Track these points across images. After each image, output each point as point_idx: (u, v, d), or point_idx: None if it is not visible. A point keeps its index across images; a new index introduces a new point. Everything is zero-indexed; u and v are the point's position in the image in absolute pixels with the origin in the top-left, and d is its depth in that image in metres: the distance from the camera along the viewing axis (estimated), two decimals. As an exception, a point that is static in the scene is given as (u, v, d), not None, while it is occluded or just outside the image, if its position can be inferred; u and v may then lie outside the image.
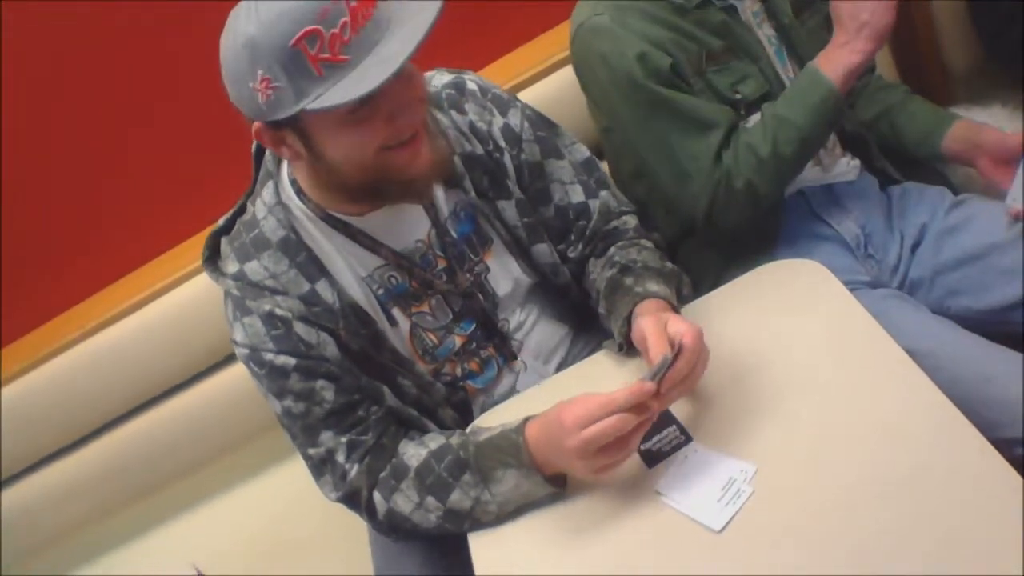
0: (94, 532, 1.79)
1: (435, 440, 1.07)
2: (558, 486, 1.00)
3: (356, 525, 1.19)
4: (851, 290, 1.09)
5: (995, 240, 1.23)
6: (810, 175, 1.35)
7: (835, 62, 1.18)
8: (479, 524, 1.03)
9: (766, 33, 1.30)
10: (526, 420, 1.01)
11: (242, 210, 1.11)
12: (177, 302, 1.60)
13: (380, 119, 0.94)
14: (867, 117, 1.42)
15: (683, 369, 0.94)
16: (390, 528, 1.10)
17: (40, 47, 1.51)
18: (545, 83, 1.55)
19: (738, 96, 1.26)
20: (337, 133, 0.95)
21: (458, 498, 1.02)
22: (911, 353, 0.95)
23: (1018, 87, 1.50)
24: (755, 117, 1.27)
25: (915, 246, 1.32)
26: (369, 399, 1.09)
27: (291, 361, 1.04)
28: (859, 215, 1.34)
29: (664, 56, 1.21)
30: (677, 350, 0.93)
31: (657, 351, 0.95)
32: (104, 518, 1.77)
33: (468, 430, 1.09)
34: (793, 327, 1.06)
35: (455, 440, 1.05)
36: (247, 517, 1.76)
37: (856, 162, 1.38)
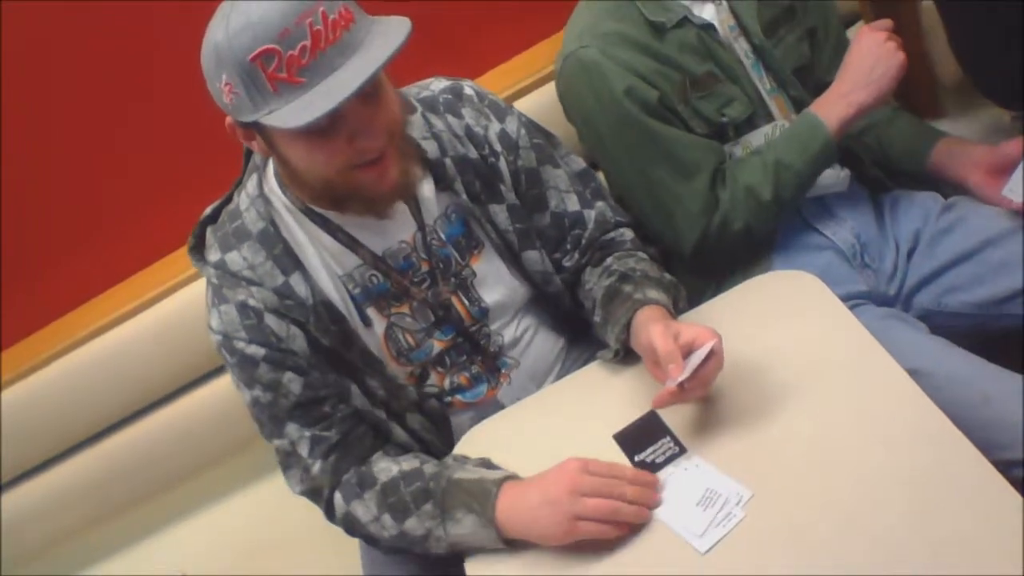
0: (90, 538, 1.78)
1: (410, 462, 1.09)
2: (510, 545, 0.99)
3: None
4: (852, 307, 1.10)
5: (987, 236, 1.25)
6: None
7: (832, 110, 1.22)
8: (429, 552, 1.04)
9: (742, 47, 1.30)
10: (508, 478, 1.00)
11: (229, 200, 1.12)
12: (175, 307, 1.59)
13: (341, 138, 0.95)
14: (855, 130, 1.43)
15: (714, 371, 0.96)
16: (347, 530, 1.12)
17: (39, 52, 1.50)
18: (539, 93, 1.54)
19: (725, 119, 1.28)
20: (297, 146, 0.96)
21: (413, 525, 1.03)
22: (910, 373, 0.96)
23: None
24: (746, 139, 1.28)
25: (911, 252, 1.33)
26: (336, 396, 1.10)
27: (260, 351, 1.05)
28: (853, 224, 1.35)
29: (650, 89, 1.22)
30: (708, 354, 0.94)
31: (669, 357, 0.95)
32: (100, 524, 1.76)
33: (451, 459, 1.09)
34: (786, 337, 1.06)
35: (429, 468, 1.06)
36: (242, 524, 1.74)
37: (846, 172, 1.38)
